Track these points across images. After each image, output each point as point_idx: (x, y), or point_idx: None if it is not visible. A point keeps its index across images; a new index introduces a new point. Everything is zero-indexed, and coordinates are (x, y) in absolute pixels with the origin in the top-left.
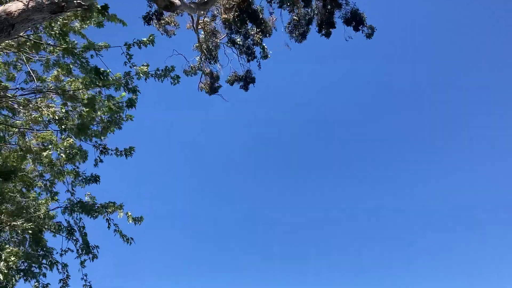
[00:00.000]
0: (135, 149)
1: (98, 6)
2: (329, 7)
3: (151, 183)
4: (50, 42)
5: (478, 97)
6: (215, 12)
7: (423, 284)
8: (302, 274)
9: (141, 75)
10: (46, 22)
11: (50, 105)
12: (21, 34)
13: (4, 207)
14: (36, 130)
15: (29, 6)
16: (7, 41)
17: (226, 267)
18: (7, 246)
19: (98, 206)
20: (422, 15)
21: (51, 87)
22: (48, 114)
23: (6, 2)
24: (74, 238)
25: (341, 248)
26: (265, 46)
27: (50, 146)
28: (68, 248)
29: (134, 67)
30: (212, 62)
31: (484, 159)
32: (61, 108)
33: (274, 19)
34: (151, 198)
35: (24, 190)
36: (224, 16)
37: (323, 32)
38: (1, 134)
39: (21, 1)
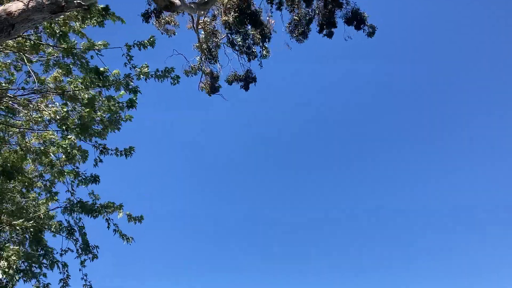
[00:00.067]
0: (135, 149)
1: (100, 7)
2: (329, 6)
3: (151, 183)
4: (50, 42)
5: (478, 97)
6: (215, 12)
7: (423, 284)
8: (302, 274)
9: (141, 76)
10: (46, 22)
11: (50, 106)
12: (21, 34)
13: (4, 207)
14: (36, 130)
15: (29, 6)
16: (7, 41)
17: (226, 267)
18: (8, 244)
19: (98, 206)
20: (421, 15)
21: (51, 87)
22: (49, 114)
23: (7, 2)
24: (74, 238)
25: (341, 248)
26: (266, 46)
27: (51, 148)
28: (68, 248)
29: (135, 68)
30: (212, 62)
31: (484, 159)
32: (62, 108)
33: (273, 22)
34: (151, 198)
35: (24, 190)
36: (224, 18)
37: (325, 32)
38: (1, 134)
39: (21, 1)
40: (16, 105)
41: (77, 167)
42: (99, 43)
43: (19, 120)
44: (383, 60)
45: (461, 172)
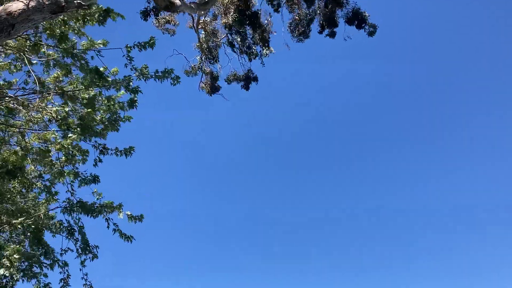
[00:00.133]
0: (135, 149)
1: (101, 8)
2: (330, 6)
3: (151, 183)
4: (50, 43)
5: (478, 97)
6: (215, 12)
7: (423, 284)
8: (302, 274)
9: (141, 77)
10: (47, 22)
11: (50, 106)
12: (21, 34)
13: (4, 207)
14: (36, 130)
15: (30, 6)
16: (7, 41)
17: (226, 267)
18: (9, 243)
19: (97, 205)
20: (421, 15)
21: (51, 88)
22: (50, 113)
23: (7, 2)
24: (74, 238)
25: (341, 248)
26: (266, 46)
27: (52, 145)
28: (68, 248)
29: (136, 69)
30: (212, 61)
31: (484, 159)
32: (63, 108)
33: (272, 24)
34: (151, 198)
35: (23, 190)
36: (224, 20)
37: (327, 31)
38: (1, 135)
39: (22, 1)
40: (16, 105)
41: (77, 168)
42: (98, 42)
43: (19, 120)
44: (383, 60)
45: (461, 172)
